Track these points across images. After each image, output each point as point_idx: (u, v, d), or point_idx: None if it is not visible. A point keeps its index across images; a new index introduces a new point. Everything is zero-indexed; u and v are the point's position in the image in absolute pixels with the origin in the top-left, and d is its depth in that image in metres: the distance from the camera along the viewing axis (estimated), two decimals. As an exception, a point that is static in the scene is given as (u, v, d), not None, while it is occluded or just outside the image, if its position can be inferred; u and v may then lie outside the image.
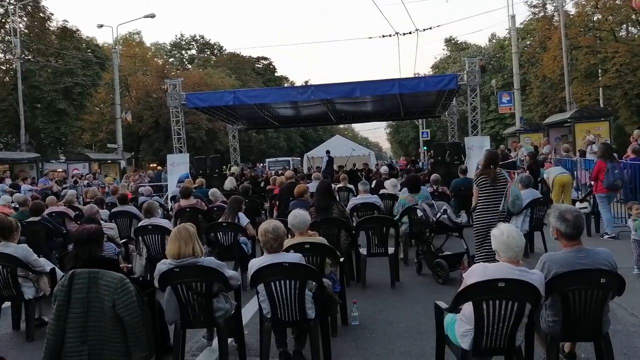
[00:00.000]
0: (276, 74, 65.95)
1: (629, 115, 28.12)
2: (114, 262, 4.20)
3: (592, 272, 3.71)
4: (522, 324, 3.60)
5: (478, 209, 6.80)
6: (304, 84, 53.66)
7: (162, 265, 4.43)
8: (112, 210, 9.74)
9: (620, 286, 3.73)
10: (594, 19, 29.94)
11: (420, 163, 29.96)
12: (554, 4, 29.22)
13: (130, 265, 7.07)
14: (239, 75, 54.32)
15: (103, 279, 3.46)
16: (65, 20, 33.42)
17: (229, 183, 13.98)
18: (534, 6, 31.52)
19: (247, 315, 5.74)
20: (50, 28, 31.40)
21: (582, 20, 29.31)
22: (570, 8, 29.73)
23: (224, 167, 19.99)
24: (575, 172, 12.73)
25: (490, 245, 3.89)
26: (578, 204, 10.00)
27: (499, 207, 6.65)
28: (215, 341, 5.00)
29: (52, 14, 31.21)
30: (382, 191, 11.16)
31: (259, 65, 63.55)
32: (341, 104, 22.10)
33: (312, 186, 9.70)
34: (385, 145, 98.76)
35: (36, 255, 5.91)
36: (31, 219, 8.20)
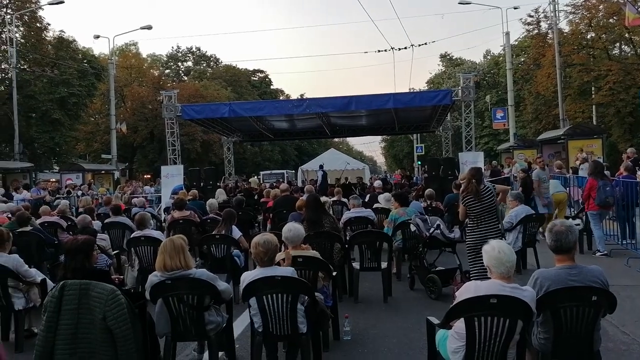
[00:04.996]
0: (272, 87, 66.08)
1: (621, 133, 28.34)
2: (106, 274, 4.18)
3: (584, 289, 3.71)
4: (513, 341, 3.59)
5: (469, 226, 6.73)
6: (299, 97, 53.94)
7: (154, 277, 4.41)
8: (105, 221, 9.70)
9: (612, 304, 3.73)
10: (588, 37, 30.26)
11: (414, 178, 29.99)
12: (548, 22, 29.55)
13: (121, 276, 7.03)
14: (234, 87, 54.43)
15: (94, 290, 3.44)
16: (62, 31, 33.46)
17: (220, 195, 13.94)
18: (529, 24, 31.89)
19: (238, 329, 5.72)
20: (47, 38, 31.41)
21: (575, 38, 29.60)
22: (564, 26, 30.12)
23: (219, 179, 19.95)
24: (567, 188, 12.81)
25: (483, 262, 3.88)
26: (570, 221, 10.04)
27: (490, 222, 6.56)
28: (206, 354, 4.97)
29: (49, 24, 31.26)
30: (375, 205, 11.18)
31: (254, 78, 63.67)
32: (336, 118, 22.18)
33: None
34: (380, 159, 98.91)
35: (27, 266, 5.88)
36: (22, 228, 8.14)
